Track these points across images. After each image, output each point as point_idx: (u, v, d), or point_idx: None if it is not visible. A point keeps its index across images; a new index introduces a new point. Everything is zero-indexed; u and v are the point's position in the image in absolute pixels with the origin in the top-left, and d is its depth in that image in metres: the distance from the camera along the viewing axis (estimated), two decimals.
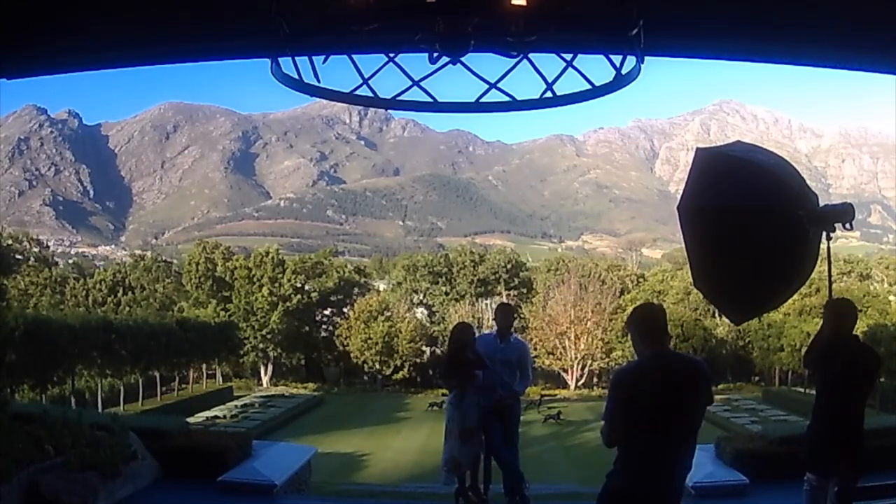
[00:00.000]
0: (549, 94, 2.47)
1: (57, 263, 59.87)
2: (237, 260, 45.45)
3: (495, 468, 6.58)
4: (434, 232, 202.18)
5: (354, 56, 2.47)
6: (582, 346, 39.62)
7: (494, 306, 39.95)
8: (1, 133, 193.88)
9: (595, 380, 41.37)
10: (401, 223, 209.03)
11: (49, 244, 73.93)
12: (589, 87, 2.46)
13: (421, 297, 49.19)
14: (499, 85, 2.46)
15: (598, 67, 2.48)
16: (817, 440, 4.87)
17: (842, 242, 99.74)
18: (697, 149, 3.96)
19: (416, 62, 2.44)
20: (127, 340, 25.20)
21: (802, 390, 29.91)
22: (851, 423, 4.73)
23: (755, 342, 35.51)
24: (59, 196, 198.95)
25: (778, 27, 4.49)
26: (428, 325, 45.74)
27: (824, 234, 3.71)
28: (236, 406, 29.93)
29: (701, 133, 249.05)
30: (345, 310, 44.64)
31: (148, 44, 5.00)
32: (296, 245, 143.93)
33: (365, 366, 41.37)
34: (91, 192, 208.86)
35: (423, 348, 42.59)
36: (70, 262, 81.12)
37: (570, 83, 2.47)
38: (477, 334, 6.91)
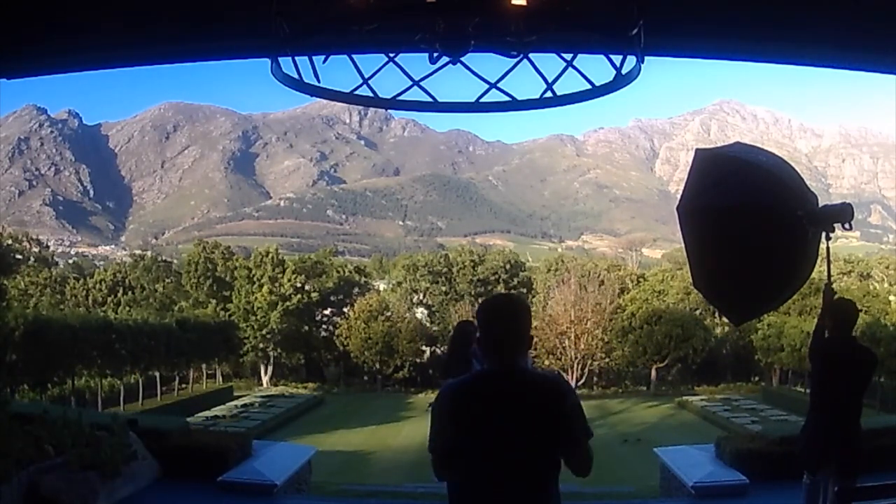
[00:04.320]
0: (549, 94, 2.47)
1: (57, 263, 59.84)
2: (237, 260, 45.42)
3: None
4: (434, 232, 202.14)
5: (354, 56, 2.48)
6: (582, 346, 39.58)
7: None
8: (1, 133, 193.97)
9: (595, 379, 41.36)
10: (401, 223, 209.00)
11: (49, 244, 73.86)
12: (589, 87, 2.46)
13: (421, 297, 49.14)
14: (499, 85, 2.47)
15: (598, 67, 2.48)
16: (812, 439, 4.89)
17: (842, 242, 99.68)
18: (697, 150, 3.97)
19: (416, 62, 2.45)
20: (127, 340, 25.18)
21: (802, 390, 29.89)
22: (847, 423, 4.74)
23: (755, 342, 35.49)
24: (59, 196, 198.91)
25: (778, 27, 4.49)
26: (428, 324, 45.71)
27: (824, 234, 3.72)
28: (236, 406, 29.92)
29: (701, 133, 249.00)
30: (345, 310, 44.60)
31: (148, 44, 5.00)
32: (296, 245, 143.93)
33: (365, 365, 41.36)
34: (91, 192, 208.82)
35: (423, 348, 42.56)
36: (70, 262, 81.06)
37: (570, 83, 2.47)
38: (477, 334, 6.91)
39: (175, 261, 58.50)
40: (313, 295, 44.44)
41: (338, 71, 2.67)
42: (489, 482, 2.39)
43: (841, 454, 4.68)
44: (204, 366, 35.28)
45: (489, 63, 2.50)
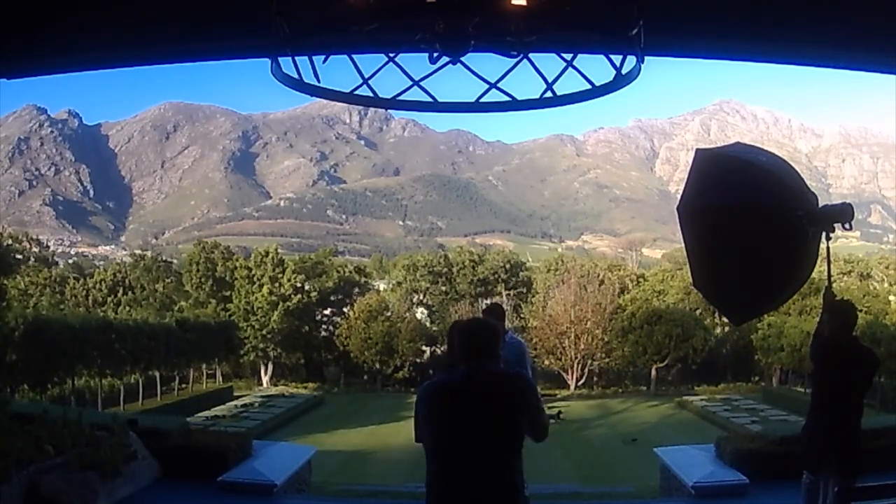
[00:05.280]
0: (549, 94, 2.47)
1: (57, 263, 59.85)
2: (237, 260, 45.40)
3: None
4: (434, 232, 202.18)
5: (354, 56, 2.47)
6: (582, 346, 39.57)
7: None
8: (1, 133, 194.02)
9: (595, 379, 41.36)
10: (401, 223, 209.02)
11: (49, 244, 73.95)
12: (589, 87, 2.46)
13: (421, 297, 49.15)
14: (499, 85, 2.47)
15: (598, 67, 2.48)
16: (813, 439, 4.89)
17: (842, 242, 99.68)
18: (697, 150, 3.97)
19: (416, 62, 2.45)
20: (127, 340, 25.16)
21: (802, 390, 29.88)
22: (848, 423, 4.74)
23: (755, 342, 35.48)
24: (59, 196, 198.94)
25: (778, 27, 4.50)
26: (428, 324, 45.72)
27: (824, 234, 3.72)
28: (236, 406, 29.89)
29: (701, 133, 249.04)
30: (345, 309, 44.59)
31: (148, 44, 5.00)
32: (296, 245, 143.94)
33: (365, 365, 41.34)
34: (91, 192, 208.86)
35: (423, 348, 42.55)
36: (70, 262, 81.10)
37: (570, 83, 2.48)
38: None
39: (175, 261, 58.48)
40: (313, 295, 44.44)
41: (338, 71, 2.67)
42: (466, 460, 2.91)
43: (842, 454, 4.68)
44: (204, 366, 35.27)
45: (489, 63, 2.50)
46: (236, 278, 42.46)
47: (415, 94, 2.46)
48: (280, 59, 2.43)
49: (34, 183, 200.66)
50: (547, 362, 39.72)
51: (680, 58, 5.52)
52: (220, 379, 37.94)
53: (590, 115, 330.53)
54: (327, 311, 45.88)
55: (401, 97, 2.46)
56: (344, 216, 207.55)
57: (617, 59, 2.46)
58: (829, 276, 4.49)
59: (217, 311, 40.49)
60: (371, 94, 2.46)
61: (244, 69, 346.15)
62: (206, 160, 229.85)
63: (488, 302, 43.20)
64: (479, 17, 2.28)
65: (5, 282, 28.74)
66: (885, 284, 51.36)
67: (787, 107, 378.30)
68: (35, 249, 53.16)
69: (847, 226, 3.64)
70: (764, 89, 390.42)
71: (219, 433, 11.41)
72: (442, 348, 41.26)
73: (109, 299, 41.95)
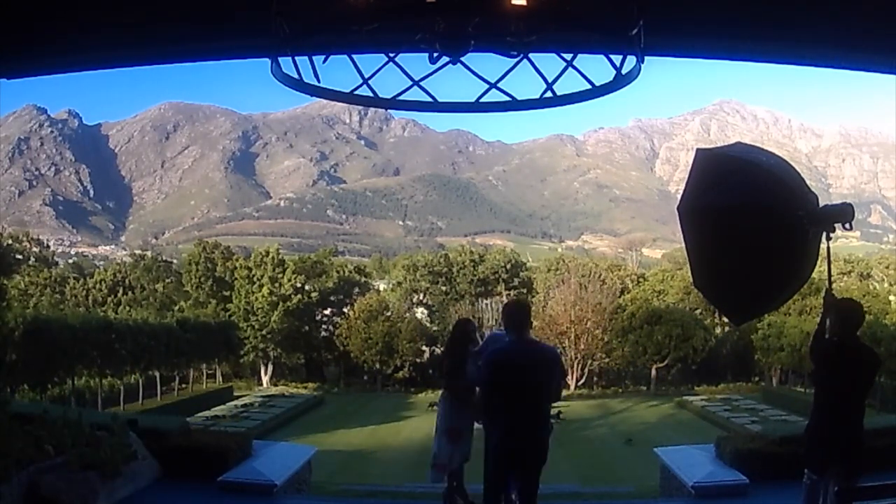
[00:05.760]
0: (549, 94, 2.47)
1: (57, 263, 59.83)
2: (237, 260, 45.41)
3: None
4: (434, 232, 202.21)
5: (354, 56, 2.47)
6: (582, 346, 39.56)
7: (496, 306, 39.89)
8: (1, 133, 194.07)
9: (595, 379, 41.37)
10: (401, 223, 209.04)
11: (49, 244, 73.76)
12: (589, 87, 2.46)
13: (421, 297, 49.14)
14: (499, 85, 2.46)
15: (598, 67, 2.48)
16: (815, 437, 4.89)
17: (842, 242, 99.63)
18: (698, 149, 3.97)
19: (416, 62, 2.45)
20: (127, 340, 25.16)
21: (802, 390, 29.90)
22: (850, 423, 4.74)
23: (755, 342, 35.48)
24: (59, 196, 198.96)
25: (778, 27, 4.50)
26: (428, 324, 45.72)
27: (824, 234, 3.72)
28: (236, 406, 29.90)
29: (701, 133, 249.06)
30: (345, 309, 44.60)
31: (148, 44, 5.01)
32: (296, 245, 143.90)
33: (365, 365, 41.35)
34: (91, 192, 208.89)
35: (423, 348, 42.56)
36: (70, 262, 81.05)
37: (570, 83, 2.47)
38: (476, 334, 6.89)
39: (175, 261, 58.52)
40: (313, 295, 44.45)
41: (338, 71, 2.67)
42: (520, 405, 4.64)
43: (844, 454, 4.68)
44: (204, 366, 35.27)
45: (489, 63, 2.50)
46: (236, 278, 42.47)
47: (415, 94, 2.46)
48: (280, 59, 2.43)
49: (34, 183, 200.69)
50: None
51: (680, 58, 5.53)
52: (220, 379, 37.94)
53: (590, 115, 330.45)
54: (327, 311, 45.88)
55: (401, 97, 2.46)
56: (344, 216, 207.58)
57: (617, 59, 2.46)
58: (830, 276, 4.49)
59: (217, 311, 40.51)
60: (371, 94, 2.46)
61: (244, 69, 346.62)
62: (206, 160, 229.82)
63: (489, 302, 43.31)
64: (479, 17, 2.28)
65: (5, 282, 28.71)
66: (885, 284, 51.38)
67: (787, 107, 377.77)
68: (35, 249, 53.14)
69: (847, 226, 3.64)
70: (764, 89, 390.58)
71: (219, 433, 11.40)
72: (442, 348, 41.19)
73: (109, 299, 41.95)
